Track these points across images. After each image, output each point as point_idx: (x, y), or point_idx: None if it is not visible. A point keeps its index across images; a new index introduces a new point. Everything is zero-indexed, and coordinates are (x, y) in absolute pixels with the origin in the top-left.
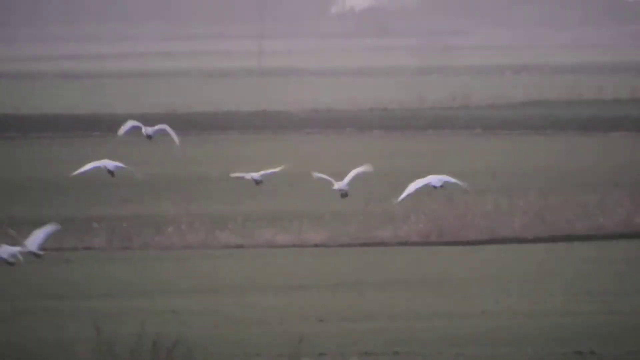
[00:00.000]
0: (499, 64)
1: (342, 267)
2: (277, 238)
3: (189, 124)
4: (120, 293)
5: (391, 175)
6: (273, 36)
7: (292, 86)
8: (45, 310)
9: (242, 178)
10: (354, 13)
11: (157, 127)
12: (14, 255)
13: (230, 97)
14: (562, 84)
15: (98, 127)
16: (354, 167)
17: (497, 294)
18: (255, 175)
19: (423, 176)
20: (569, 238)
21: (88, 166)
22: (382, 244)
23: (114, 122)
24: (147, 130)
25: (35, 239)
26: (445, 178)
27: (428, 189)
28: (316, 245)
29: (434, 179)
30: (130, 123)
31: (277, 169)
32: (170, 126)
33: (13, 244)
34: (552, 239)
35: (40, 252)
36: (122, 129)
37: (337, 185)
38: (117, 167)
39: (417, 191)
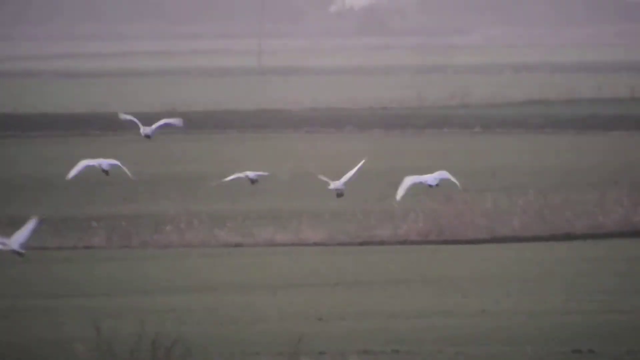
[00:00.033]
0: (499, 63)
1: (341, 266)
2: (276, 237)
3: (188, 122)
4: (120, 292)
5: (390, 174)
6: (272, 35)
7: (292, 85)
8: (44, 309)
9: (238, 179)
10: (353, 12)
11: (154, 125)
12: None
13: (230, 96)
14: (561, 83)
15: (96, 126)
16: (354, 166)
17: (497, 293)
18: (251, 174)
19: (421, 174)
20: (568, 237)
21: (81, 165)
22: (381, 242)
23: (113, 121)
24: (145, 130)
25: (18, 238)
26: (443, 175)
27: (426, 187)
28: (315, 244)
29: (430, 178)
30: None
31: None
32: (169, 125)
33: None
34: (552, 238)
35: (23, 251)
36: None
37: (333, 184)
38: (112, 165)
39: (416, 189)
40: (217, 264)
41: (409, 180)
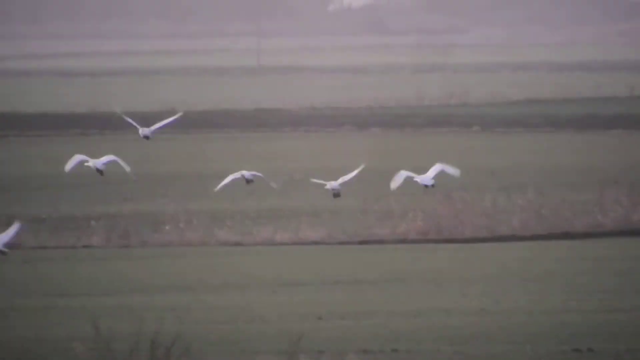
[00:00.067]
0: (497, 62)
1: (340, 265)
2: (275, 236)
3: (188, 121)
4: (119, 291)
5: (389, 173)
6: (271, 34)
7: (290, 84)
8: (43, 308)
9: (234, 180)
10: (351, 11)
11: (153, 127)
12: None
13: (229, 95)
14: (559, 81)
15: (96, 125)
16: (352, 165)
17: (496, 292)
18: (247, 174)
19: (420, 173)
20: (567, 236)
21: (76, 159)
22: (380, 241)
23: (113, 120)
24: (144, 131)
25: (2, 238)
26: (438, 169)
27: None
28: (315, 243)
29: (426, 179)
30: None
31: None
32: (168, 124)
33: None
34: (551, 237)
35: (5, 250)
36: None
37: (329, 185)
38: (109, 161)
39: (415, 188)
40: (216, 263)
41: (403, 174)
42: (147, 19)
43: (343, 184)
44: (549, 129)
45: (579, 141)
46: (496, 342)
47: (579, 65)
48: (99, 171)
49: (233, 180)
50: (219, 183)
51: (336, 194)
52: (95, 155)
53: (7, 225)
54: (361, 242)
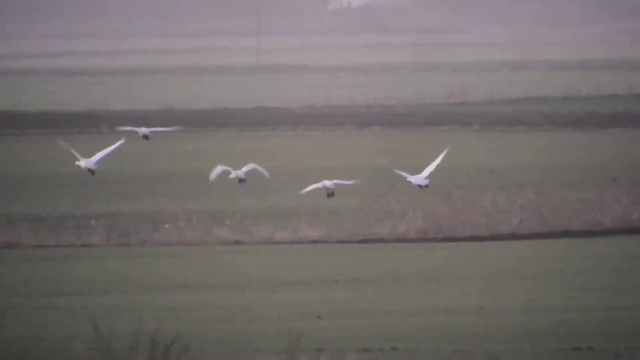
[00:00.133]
0: (497, 60)
1: (340, 264)
2: (275, 235)
3: (187, 120)
4: (118, 290)
5: (389, 172)
6: (271, 33)
7: (290, 83)
8: (43, 307)
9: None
10: (351, 10)
11: (152, 129)
12: None
13: (228, 94)
14: (559, 80)
15: (95, 124)
16: (352, 164)
17: (495, 290)
18: (240, 173)
19: (420, 172)
20: (567, 234)
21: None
22: (380, 240)
23: (111, 119)
24: (143, 131)
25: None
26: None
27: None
28: (314, 242)
29: (420, 179)
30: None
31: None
32: (168, 123)
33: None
34: (550, 236)
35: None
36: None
37: (322, 184)
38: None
39: (414, 187)
40: (216, 262)
41: (403, 174)
42: (146, 18)
43: (337, 184)
44: (549, 127)
45: (579, 140)
46: (496, 341)
47: (579, 64)
48: (91, 170)
49: (225, 173)
50: (218, 182)
51: (330, 194)
52: (95, 153)
53: (6, 223)
54: (361, 241)
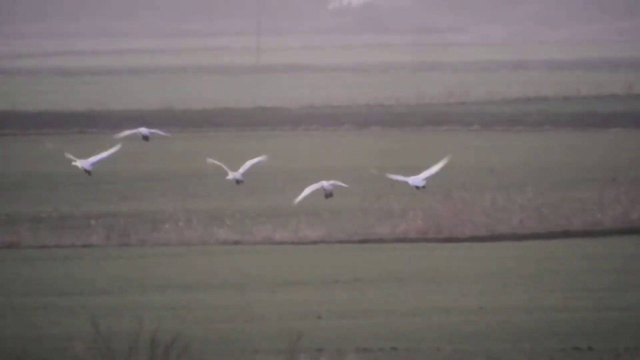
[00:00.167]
0: (496, 60)
1: (340, 264)
2: (275, 235)
3: (186, 120)
4: (118, 290)
5: (389, 172)
6: (270, 33)
7: (290, 83)
8: (43, 307)
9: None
10: (351, 10)
11: (150, 130)
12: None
13: (228, 94)
14: (559, 80)
15: (94, 124)
16: (351, 164)
17: (495, 290)
18: (238, 174)
19: (419, 172)
20: (566, 234)
21: (308, 190)
22: (380, 240)
23: (111, 119)
24: (142, 131)
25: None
26: (432, 170)
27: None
28: (314, 242)
29: (417, 180)
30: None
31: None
32: (168, 123)
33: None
34: (550, 236)
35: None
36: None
37: (320, 184)
38: (95, 162)
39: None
40: (215, 262)
41: (400, 177)
42: (146, 18)
43: (334, 185)
44: (549, 127)
45: (579, 140)
46: (496, 341)
47: (579, 64)
48: (87, 171)
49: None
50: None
51: (328, 195)
52: (94, 154)
53: (6, 223)
54: (361, 241)
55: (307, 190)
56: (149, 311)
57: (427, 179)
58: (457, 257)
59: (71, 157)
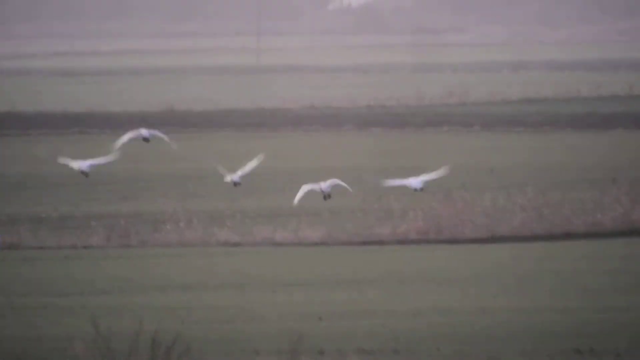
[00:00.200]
0: (497, 60)
1: (340, 265)
2: (275, 236)
3: (187, 121)
4: (119, 290)
5: (389, 173)
6: (271, 33)
7: (290, 83)
8: (43, 307)
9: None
10: (351, 10)
11: (150, 131)
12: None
13: (228, 94)
14: (559, 81)
15: (96, 125)
16: (352, 164)
17: (496, 291)
18: (236, 177)
19: (419, 173)
20: (567, 235)
21: (304, 189)
22: (380, 241)
23: (111, 119)
24: (143, 133)
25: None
26: (431, 176)
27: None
28: (315, 243)
29: (415, 181)
30: (306, 188)
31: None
32: (168, 123)
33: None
34: (551, 236)
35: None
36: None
37: (317, 185)
38: (92, 165)
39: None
40: (216, 263)
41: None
42: (146, 18)
43: (332, 186)
44: (549, 128)
45: (579, 140)
46: (496, 342)
47: (579, 64)
48: (84, 173)
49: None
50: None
51: (326, 196)
52: (92, 154)
53: (6, 224)
54: (361, 242)
55: (304, 188)
56: (150, 311)
57: (425, 182)
58: (458, 257)
59: (65, 160)
